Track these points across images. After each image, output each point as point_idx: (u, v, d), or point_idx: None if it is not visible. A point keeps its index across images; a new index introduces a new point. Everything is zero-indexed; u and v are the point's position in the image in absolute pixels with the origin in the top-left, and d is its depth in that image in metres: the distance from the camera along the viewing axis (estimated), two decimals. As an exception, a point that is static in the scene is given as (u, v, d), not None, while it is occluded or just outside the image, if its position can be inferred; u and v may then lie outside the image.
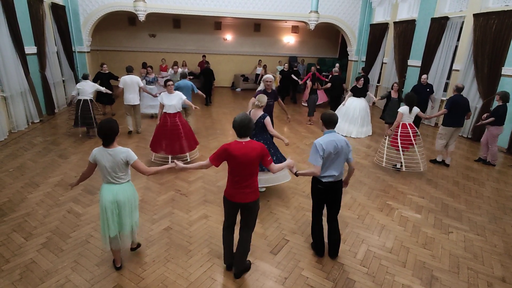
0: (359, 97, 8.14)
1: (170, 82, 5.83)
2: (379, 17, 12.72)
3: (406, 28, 10.58)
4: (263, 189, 5.07)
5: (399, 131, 5.83)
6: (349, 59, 14.22)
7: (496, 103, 6.32)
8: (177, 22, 14.91)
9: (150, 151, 6.04)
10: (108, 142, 2.88)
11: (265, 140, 4.67)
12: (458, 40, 8.88)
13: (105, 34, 14.24)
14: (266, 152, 2.93)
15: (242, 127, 2.84)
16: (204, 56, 13.72)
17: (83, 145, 6.87)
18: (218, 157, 2.90)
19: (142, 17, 11.23)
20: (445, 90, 9.44)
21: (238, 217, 3.17)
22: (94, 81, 8.33)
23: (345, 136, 8.01)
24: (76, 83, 8.22)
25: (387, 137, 6.04)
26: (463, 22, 8.59)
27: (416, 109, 5.81)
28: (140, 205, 4.22)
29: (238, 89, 15.54)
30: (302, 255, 3.59)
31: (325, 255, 3.60)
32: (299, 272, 3.33)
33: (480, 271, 3.46)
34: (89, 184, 5.04)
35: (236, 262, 3.21)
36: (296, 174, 3.27)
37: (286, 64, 12.21)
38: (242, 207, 3.02)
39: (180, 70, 10.19)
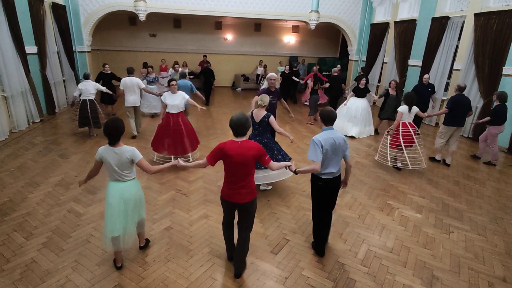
0: (361, 97, 8.11)
1: (174, 82, 5.78)
2: (379, 17, 12.70)
3: (406, 28, 10.57)
4: (269, 187, 5.08)
5: (400, 130, 5.84)
6: (349, 58, 14.20)
7: (496, 103, 6.34)
8: (177, 22, 14.91)
9: (151, 151, 6.04)
10: (113, 141, 2.92)
11: (267, 139, 4.70)
12: (458, 39, 8.86)
13: (106, 34, 14.24)
14: (262, 152, 2.93)
15: (238, 126, 2.85)
16: (205, 56, 13.72)
17: (84, 145, 6.87)
18: (213, 156, 2.92)
19: (142, 17, 11.23)
20: (446, 89, 9.43)
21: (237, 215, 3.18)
22: (96, 81, 8.34)
23: (348, 136, 7.99)
24: (77, 83, 8.23)
25: (388, 136, 6.05)
26: (463, 22, 8.57)
27: (415, 109, 5.84)
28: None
29: (239, 89, 15.54)
30: (302, 255, 3.58)
31: (325, 254, 3.60)
32: (300, 272, 3.33)
33: (481, 271, 3.46)
34: (89, 184, 5.02)
35: (236, 263, 3.21)
36: (296, 172, 3.27)
37: (287, 66, 12.20)
38: (239, 207, 3.02)
39: (180, 70, 10.18)
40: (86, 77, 7.28)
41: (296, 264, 3.44)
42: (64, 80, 10.35)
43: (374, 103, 11.35)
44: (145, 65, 10.48)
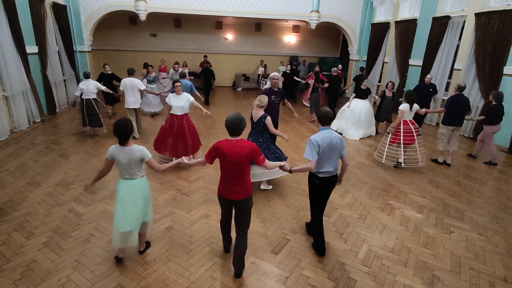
0: (363, 98, 8.05)
1: (178, 83, 5.69)
2: (380, 17, 12.69)
3: (407, 28, 10.56)
4: (270, 187, 5.08)
5: (401, 128, 5.91)
6: (350, 58, 14.19)
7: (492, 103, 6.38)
8: (178, 21, 14.91)
9: (152, 151, 6.02)
10: (123, 140, 3.03)
11: (263, 139, 4.71)
12: (459, 39, 8.85)
13: (106, 33, 14.24)
14: (257, 151, 2.97)
15: (233, 125, 2.92)
16: (205, 56, 13.71)
17: (84, 145, 6.87)
18: (210, 154, 3.05)
19: (143, 17, 11.23)
20: (447, 89, 9.42)
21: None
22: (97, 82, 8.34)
23: (352, 139, 7.94)
24: (78, 83, 8.23)
25: (389, 134, 6.10)
26: (464, 22, 8.56)
27: (416, 106, 5.95)
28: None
29: (239, 89, 15.53)
30: (303, 255, 3.58)
31: (325, 254, 3.60)
32: (300, 271, 3.33)
33: (482, 271, 3.45)
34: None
35: (235, 263, 3.20)
36: (291, 171, 3.36)
37: (289, 66, 12.19)
38: (235, 204, 3.09)
39: (180, 70, 10.18)
40: (87, 76, 7.28)
41: (297, 264, 3.44)
42: (64, 80, 10.36)
43: (374, 103, 11.34)
44: (145, 66, 10.48)
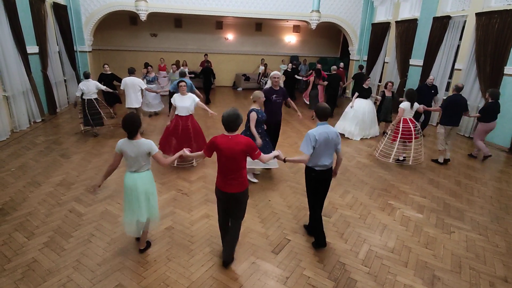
0: (366, 97, 7.99)
1: (183, 84, 5.62)
2: (380, 16, 12.68)
3: (408, 27, 10.55)
4: (256, 181, 5.26)
5: (401, 126, 5.99)
6: (350, 58, 14.18)
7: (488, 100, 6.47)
8: (178, 21, 14.91)
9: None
10: (132, 135, 3.15)
11: (261, 130, 4.98)
12: (460, 39, 8.84)
13: (107, 33, 14.25)
14: (252, 147, 3.07)
15: (229, 122, 3.02)
16: (206, 55, 13.71)
17: (85, 145, 6.88)
18: (208, 148, 3.16)
19: (143, 17, 11.23)
20: (447, 89, 9.41)
21: None
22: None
23: (354, 139, 7.90)
24: (78, 83, 8.24)
25: (390, 132, 6.19)
26: (465, 21, 8.55)
27: (416, 105, 6.02)
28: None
29: (240, 89, 15.53)
30: (303, 255, 3.58)
31: (325, 254, 3.60)
32: (301, 271, 3.33)
33: (482, 271, 3.45)
34: (90, 184, 5.06)
35: (225, 250, 3.33)
36: (285, 160, 3.47)
37: (290, 64, 12.19)
38: (231, 196, 3.16)
39: (181, 68, 10.18)
40: (87, 76, 7.28)
41: (297, 264, 3.44)
42: (65, 80, 10.37)
43: (375, 103, 11.32)
44: (146, 66, 10.49)
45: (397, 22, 11.17)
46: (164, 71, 12.16)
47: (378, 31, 12.28)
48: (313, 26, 12.45)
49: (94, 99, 7.19)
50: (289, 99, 5.79)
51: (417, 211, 4.65)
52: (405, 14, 11.25)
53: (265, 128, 5.43)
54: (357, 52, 13.70)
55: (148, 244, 3.61)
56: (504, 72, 7.43)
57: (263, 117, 4.97)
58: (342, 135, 7.84)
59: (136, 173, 3.25)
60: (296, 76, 12.01)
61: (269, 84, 5.62)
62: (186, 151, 3.41)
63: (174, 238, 3.78)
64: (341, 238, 3.92)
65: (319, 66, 10.29)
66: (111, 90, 7.92)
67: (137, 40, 14.88)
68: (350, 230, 4.12)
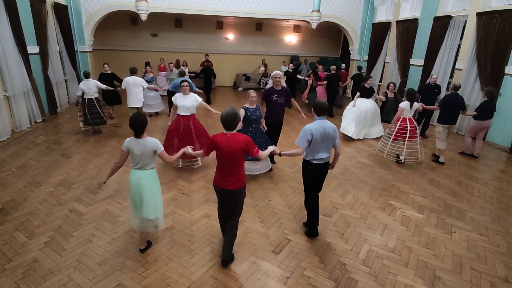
0: (367, 97, 7.94)
1: (185, 83, 5.58)
2: (381, 16, 12.67)
3: (408, 27, 10.53)
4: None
5: (398, 124, 6.08)
6: (351, 58, 14.18)
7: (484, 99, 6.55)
8: (179, 21, 14.91)
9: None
10: (139, 133, 3.22)
11: (253, 129, 5.07)
12: (461, 39, 8.83)
13: (107, 33, 14.25)
14: (250, 144, 3.13)
15: (228, 121, 3.12)
16: (206, 55, 13.71)
17: (86, 145, 6.89)
18: (207, 147, 3.27)
19: (144, 17, 11.24)
20: (448, 89, 9.39)
21: None
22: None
23: (357, 139, 7.86)
24: (79, 83, 8.24)
25: (387, 130, 6.30)
26: (466, 21, 8.54)
27: (416, 105, 6.06)
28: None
29: (240, 89, 15.53)
30: (304, 255, 3.58)
31: (326, 254, 3.60)
32: (301, 271, 3.33)
33: (483, 271, 3.45)
34: (91, 184, 5.07)
35: (224, 249, 3.34)
36: (280, 155, 3.61)
37: (291, 65, 12.18)
38: (228, 193, 3.21)
39: (181, 68, 10.18)
40: (87, 75, 7.29)
41: (298, 264, 3.44)
42: (66, 80, 10.38)
43: (376, 102, 11.31)
44: (147, 65, 10.49)
45: (397, 22, 11.16)
46: (164, 71, 12.15)
47: (379, 31, 12.27)
48: (314, 26, 12.44)
49: (95, 98, 7.21)
50: (292, 99, 5.74)
51: (418, 211, 4.64)
52: (406, 14, 11.24)
53: (265, 129, 5.42)
54: (358, 52, 13.69)
55: (149, 244, 3.61)
56: (505, 72, 7.42)
57: (254, 116, 4.98)
58: (345, 135, 7.83)
59: (140, 170, 3.30)
60: (297, 76, 12.03)
61: (270, 84, 5.57)
62: (189, 149, 3.49)
63: (175, 238, 3.78)
64: (342, 238, 3.92)
65: (320, 67, 10.24)
66: (111, 88, 7.91)
67: (137, 40, 14.88)
68: (350, 230, 4.11)
